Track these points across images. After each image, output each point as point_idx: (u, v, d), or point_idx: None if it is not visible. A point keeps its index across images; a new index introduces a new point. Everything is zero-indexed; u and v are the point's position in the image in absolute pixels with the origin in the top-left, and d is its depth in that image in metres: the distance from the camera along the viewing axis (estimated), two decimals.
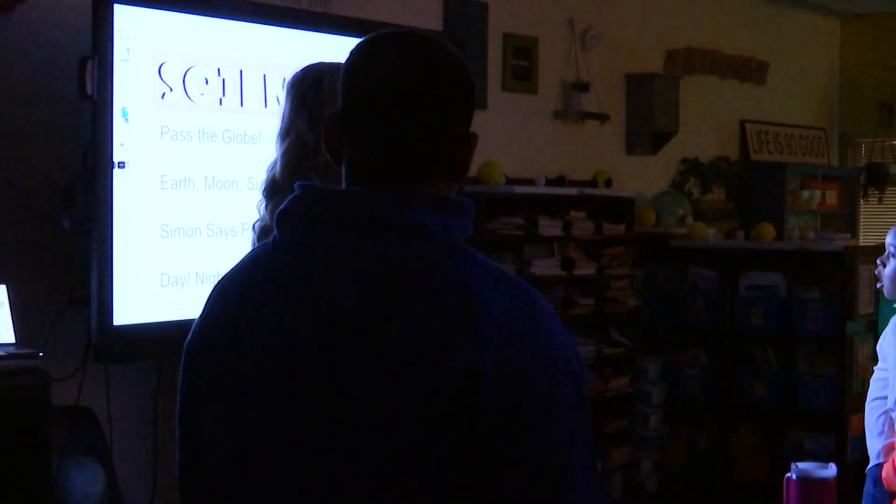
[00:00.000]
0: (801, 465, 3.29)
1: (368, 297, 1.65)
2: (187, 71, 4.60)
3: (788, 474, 3.26)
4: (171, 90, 4.55)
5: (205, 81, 4.66)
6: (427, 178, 1.74)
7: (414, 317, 1.63)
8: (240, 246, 3.47)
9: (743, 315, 7.20)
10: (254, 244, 3.25)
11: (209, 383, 1.79)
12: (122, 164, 3.38)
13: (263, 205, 3.29)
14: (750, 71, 9.03)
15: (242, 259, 1.85)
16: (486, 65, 6.84)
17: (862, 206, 9.71)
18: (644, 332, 7.39)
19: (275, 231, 1.76)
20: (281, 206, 1.75)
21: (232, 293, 1.81)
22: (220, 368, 1.77)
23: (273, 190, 3.28)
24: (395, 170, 1.72)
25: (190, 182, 4.60)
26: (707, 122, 8.71)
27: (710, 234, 7.74)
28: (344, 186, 1.76)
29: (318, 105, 3.34)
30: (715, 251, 7.46)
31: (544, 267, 6.59)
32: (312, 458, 1.67)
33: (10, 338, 4.20)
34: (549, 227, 6.62)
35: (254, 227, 3.31)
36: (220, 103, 4.74)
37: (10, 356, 4.06)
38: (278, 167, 3.30)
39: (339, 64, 3.45)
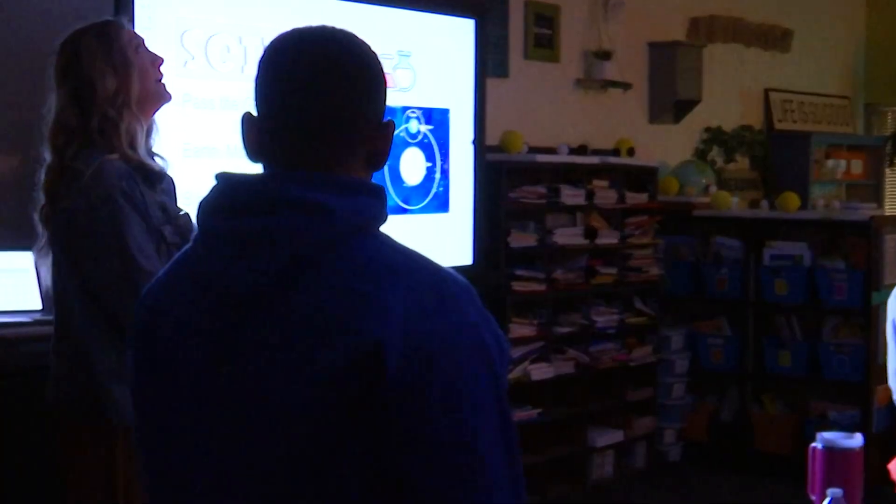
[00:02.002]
0: (827, 434, 3.29)
1: (267, 277, 1.66)
2: (209, 39, 4.62)
3: (814, 444, 3.26)
4: (194, 58, 4.57)
5: (227, 49, 4.68)
6: (345, 166, 1.75)
7: (313, 295, 1.64)
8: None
9: (767, 285, 7.20)
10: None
11: (137, 374, 1.84)
12: (156, 126, 3.42)
13: (74, 150, 3.26)
14: (774, 39, 9.00)
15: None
16: (507, 33, 6.84)
17: (888, 176, 9.67)
18: (667, 302, 7.41)
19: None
20: (202, 199, 1.77)
21: (158, 282, 1.86)
22: (143, 359, 1.83)
23: (82, 140, 3.26)
24: (312, 160, 1.73)
25: (212, 150, 4.63)
26: (730, 90, 8.69)
27: (733, 203, 7.73)
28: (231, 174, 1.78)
29: (79, 75, 3.31)
30: (739, 221, 7.45)
31: (567, 236, 6.61)
32: (217, 445, 1.69)
33: (36, 304, 4.25)
34: (571, 196, 6.63)
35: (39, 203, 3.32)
36: (242, 71, 4.75)
37: (36, 323, 4.11)
38: (48, 148, 3.30)
39: (92, 24, 3.48)
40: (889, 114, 10.08)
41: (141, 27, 4.40)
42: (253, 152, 1.79)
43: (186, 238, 3.33)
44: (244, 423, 1.66)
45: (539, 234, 6.47)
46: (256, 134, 1.78)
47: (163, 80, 3.42)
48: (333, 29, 1.80)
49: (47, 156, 3.30)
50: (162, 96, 3.41)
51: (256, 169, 1.79)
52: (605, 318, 6.79)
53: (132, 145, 3.27)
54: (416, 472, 1.59)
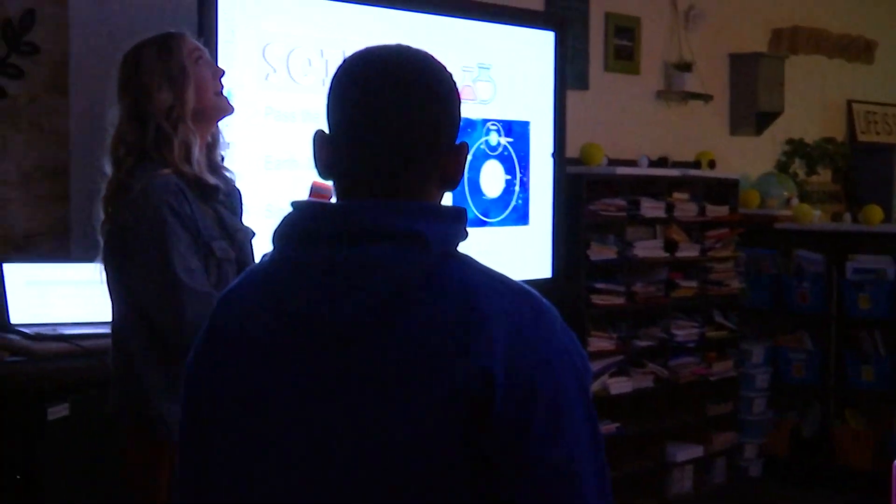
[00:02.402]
0: None
1: (369, 309, 1.65)
2: (291, 52, 4.66)
3: None
4: (275, 71, 4.61)
5: (308, 62, 4.71)
6: (422, 189, 1.75)
7: (418, 326, 1.64)
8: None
9: (850, 299, 7.12)
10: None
11: (209, 397, 1.80)
12: (225, 141, 3.44)
13: (130, 165, 3.26)
14: (857, 50, 8.91)
15: (240, 278, 1.87)
16: (587, 45, 6.84)
17: None
18: (748, 316, 7.35)
19: (272, 249, 1.78)
20: (277, 225, 1.76)
21: (232, 312, 1.82)
22: (221, 382, 1.79)
23: (139, 154, 3.26)
24: (390, 183, 1.73)
25: (293, 162, 4.66)
26: (813, 102, 8.61)
27: (815, 216, 7.66)
28: (337, 202, 1.77)
29: (139, 84, 3.31)
30: (821, 234, 7.38)
31: (646, 249, 6.59)
32: (315, 472, 1.68)
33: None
34: (651, 208, 6.61)
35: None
36: (323, 84, 4.76)
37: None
38: (107, 166, 3.31)
39: (154, 37, 3.47)
40: None
41: (224, 41, 4.44)
42: (324, 169, 1.79)
43: (244, 254, 3.37)
44: (347, 454, 1.65)
45: (619, 247, 6.45)
46: (329, 151, 1.78)
47: (224, 93, 3.41)
48: (410, 48, 1.79)
49: (108, 168, 3.32)
50: (223, 109, 3.40)
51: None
52: (684, 331, 6.75)
53: (187, 159, 3.25)
54: (521, 496, 1.62)
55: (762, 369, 7.33)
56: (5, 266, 4.21)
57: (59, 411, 3.86)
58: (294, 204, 1.76)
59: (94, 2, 4.73)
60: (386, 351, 1.64)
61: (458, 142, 1.79)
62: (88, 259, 4.42)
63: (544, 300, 1.72)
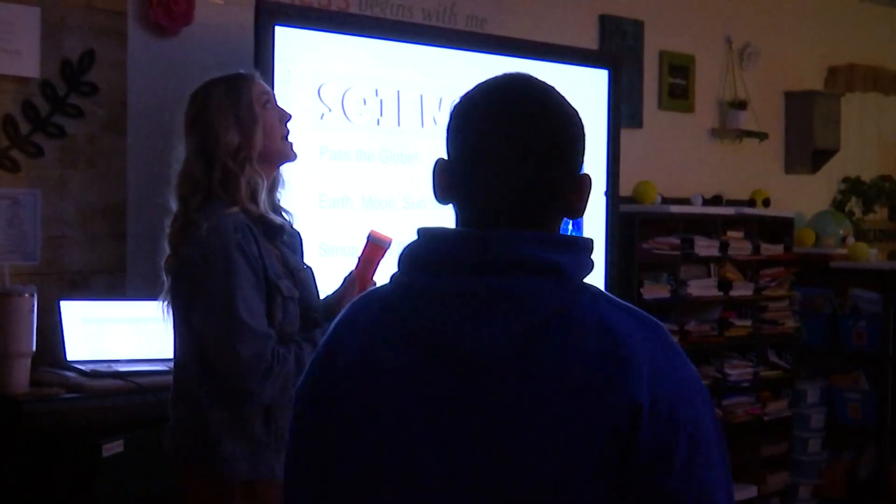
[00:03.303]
0: None
1: (512, 339, 1.64)
2: (346, 92, 4.68)
3: None
4: (330, 111, 4.64)
5: (363, 102, 4.74)
6: (550, 218, 1.76)
7: (561, 358, 1.64)
8: (393, 262, 3.53)
9: None
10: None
11: (327, 429, 1.79)
12: (283, 179, 3.46)
13: (197, 204, 3.26)
14: None
15: (360, 303, 1.85)
16: (641, 83, 6.83)
17: None
18: (803, 355, 7.28)
19: (397, 273, 1.77)
20: (408, 248, 1.75)
21: (356, 338, 1.80)
22: (346, 408, 1.76)
23: (206, 192, 3.27)
24: (520, 212, 1.72)
25: (348, 201, 4.69)
26: (869, 139, 8.55)
27: (872, 255, 7.59)
28: (459, 228, 1.77)
29: (207, 124, 3.32)
30: (877, 273, 7.31)
31: (701, 288, 6.55)
32: (461, 499, 1.66)
33: (171, 353, 4.30)
34: (705, 247, 6.57)
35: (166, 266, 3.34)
36: (378, 123, 4.81)
37: (171, 372, 4.16)
38: (172, 202, 3.32)
39: (223, 77, 3.48)
40: None
41: (280, 81, 4.48)
42: (443, 195, 1.79)
43: (307, 292, 3.38)
44: (487, 486, 1.64)
45: (672, 286, 6.42)
46: (449, 178, 1.78)
47: (289, 138, 3.42)
48: (537, 80, 1.79)
49: (173, 205, 3.33)
50: (287, 155, 3.42)
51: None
52: (738, 371, 6.70)
53: (253, 199, 3.27)
54: None
55: (817, 409, 7.26)
56: (63, 303, 4.25)
57: (113, 448, 3.87)
58: (423, 231, 1.76)
59: (152, 42, 4.77)
60: (529, 382, 1.63)
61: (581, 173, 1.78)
62: (144, 297, 4.46)
63: (664, 327, 1.73)
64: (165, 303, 3.34)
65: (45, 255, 4.51)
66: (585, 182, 1.77)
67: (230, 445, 3.19)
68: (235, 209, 3.22)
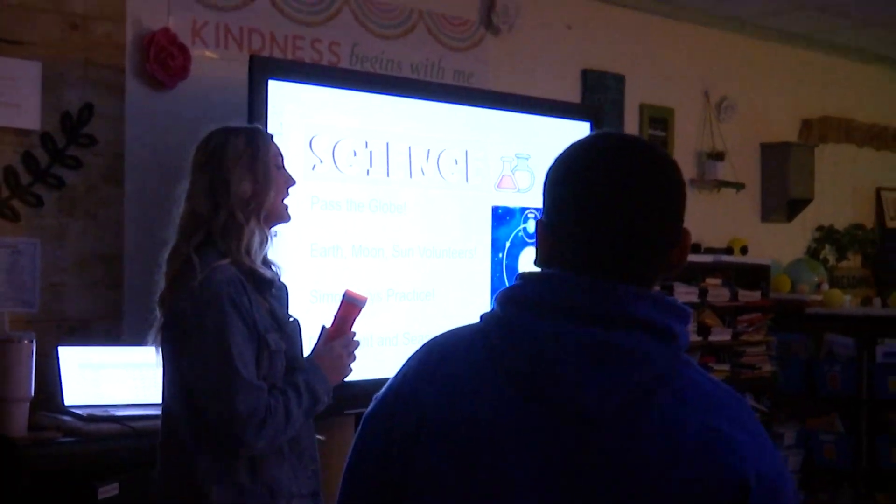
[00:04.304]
0: None
1: (624, 396, 1.60)
2: (336, 143, 4.68)
3: None
4: (322, 162, 4.63)
5: (353, 153, 4.73)
6: (654, 274, 1.72)
7: (666, 420, 1.60)
8: (382, 310, 3.55)
9: (881, 382, 7.06)
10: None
11: (412, 455, 1.72)
12: (274, 232, 3.45)
13: (165, 266, 3.28)
14: (886, 139, 8.89)
15: (450, 335, 1.81)
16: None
17: None
18: (779, 399, 7.29)
19: (494, 311, 1.71)
20: (512, 288, 1.70)
21: (451, 369, 1.74)
22: (430, 444, 1.70)
23: (171, 255, 3.27)
24: (628, 268, 1.67)
25: (338, 249, 4.67)
26: (843, 189, 8.58)
27: (846, 301, 7.62)
28: (573, 274, 1.69)
29: (220, 169, 3.29)
30: (851, 318, 7.34)
31: None
32: None
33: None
34: (684, 293, 6.58)
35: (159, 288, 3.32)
36: (368, 174, 4.80)
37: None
38: (201, 222, 3.27)
39: (245, 128, 3.48)
40: None
41: (273, 131, 4.48)
42: (546, 258, 1.73)
43: (293, 345, 3.34)
44: None
45: None
46: (555, 239, 1.72)
47: (286, 202, 3.42)
48: (638, 137, 1.76)
49: (173, 238, 3.30)
50: (283, 217, 3.41)
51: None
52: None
53: (248, 251, 3.24)
54: None
55: (794, 451, 7.26)
56: (61, 349, 4.23)
57: (109, 490, 3.86)
58: (527, 275, 1.71)
59: (149, 96, 4.79)
60: (634, 442, 1.59)
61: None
62: (140, 343, 4.44)
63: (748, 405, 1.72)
64: (157, 338, 3.31)
65: (44, 303, 4.50)
66: (688, 237, 1.74)
67: (218, 494, 3.14)
68: (227, 261, 3.19)
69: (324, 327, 3.51)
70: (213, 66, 4.97)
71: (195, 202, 3.28)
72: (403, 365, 1.82)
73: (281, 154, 3.45)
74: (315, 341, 3.50)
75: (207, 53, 4.98)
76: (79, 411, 4.08)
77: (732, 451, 1.59)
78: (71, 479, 3.85)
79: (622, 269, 1.67)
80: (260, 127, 3.50)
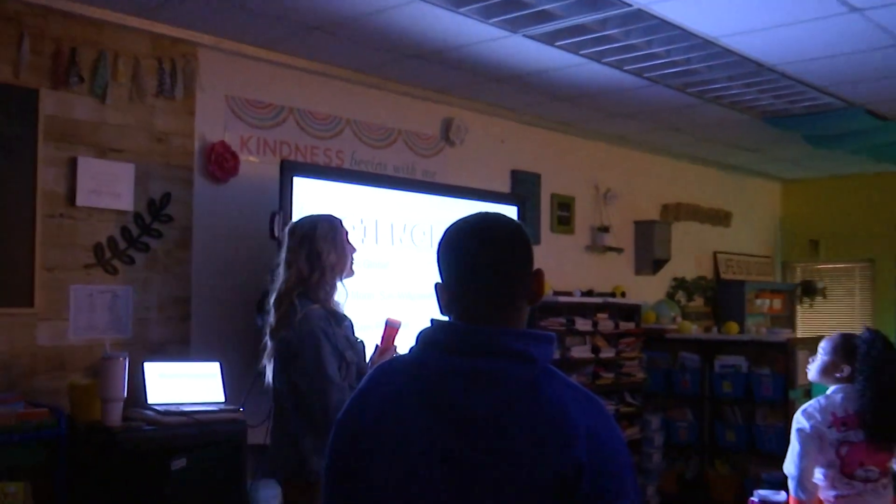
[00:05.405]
0: (761, 492, 3.19)
1: (495, 407, 1.58)
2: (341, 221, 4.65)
3: (752, 498, 3.16)
4: None
5: (353, 227, 4.71)
6: (521, 309, 1.70)
7: (531, 426, 1.57)
8: (376, 336, 3.52)
9: (717, 385, 7.04)
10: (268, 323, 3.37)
11: (356, 456, 1.70)
12: (284, 278, 3.48)
13: (273, 309, 3.36)
14: (720, 218, 8.95)
15: (387, 366, 1.77)
16: (539, 215, 6.86)
17: (798, 311, 9.49)
18: (648, 397, 7.25)
19: (415, 348, 1.70)
20: (423, 332, 1.70)
21: (383, 392, 1.71)
22: (366, 447, 1.69)
23: (279, 301, 3.35)
24: (499, 306, 1.67)
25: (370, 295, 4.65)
26: (690, 252, 8.61)
27: (693, 329, 7.61)
28: (460, 322, 1.69)
29: (313, 244, 3.39)
30: (697, 341, 7.32)
31: (579, 352, 6.53)
32: None
33: (220, 398, 4.24)
34: (582, 324, 6.56)
35: (269, 323, 3.39)
36: (363, 241, 4.78)
37: (220, 411, 4.09)
38: (283, 286, 3.36)
39: (325, 216, 3.53)
40: (798, 268, 9.93)
41: (296, 213, 4.45)
42: (445, 308, 1.71)
43: (361, 358, 3.44)
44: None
45: (560, 351, 6.39)
46: (447, 296, 1.70)
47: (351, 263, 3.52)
48: (498, 214, 1.74)
49: (282, 288, 3.37)
50: (350, 274, 3.50)
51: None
52: (606, 408, 6.65)
53: (328, 299, 3.36)
54: None
55: (658, 433, 7.21)
56: (146, 364, 4.18)
57: (178, 464, 3.81)
58: (435, 322, 1.69)
59: (210, 187, 4.76)
60: (503, 440, 1.57)
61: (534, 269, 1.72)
62: (201, 359, 4.39)
63: (600, 400, 1.68)
64: (269, 358, 3.38)
65: (135, 331, 4.46)
66: (540, 275, 1.72)
67: (316, 463, 3.22)
68: (317, 305, 3.30)
69: (377, 345, 3.60)
70: (255, 167, 4.94)
71: (299, 266, 3.37)
72: (360, 383, 1.80)
73: (347, 231, 3.52)
74: (371, 354, 3.58)
75: (251, 158, 4.95)
76: (158, 407, 4.03)
77: (570, 439, 1.56)
78: (151, 456, 3.80)
79: (490, 313, 1.66)
80: (334, 215, 3.57)
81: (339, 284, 3.42)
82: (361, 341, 3.48)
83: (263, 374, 3.43)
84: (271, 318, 3.38)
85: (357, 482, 1.70)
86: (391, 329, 3.60)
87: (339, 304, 3.45)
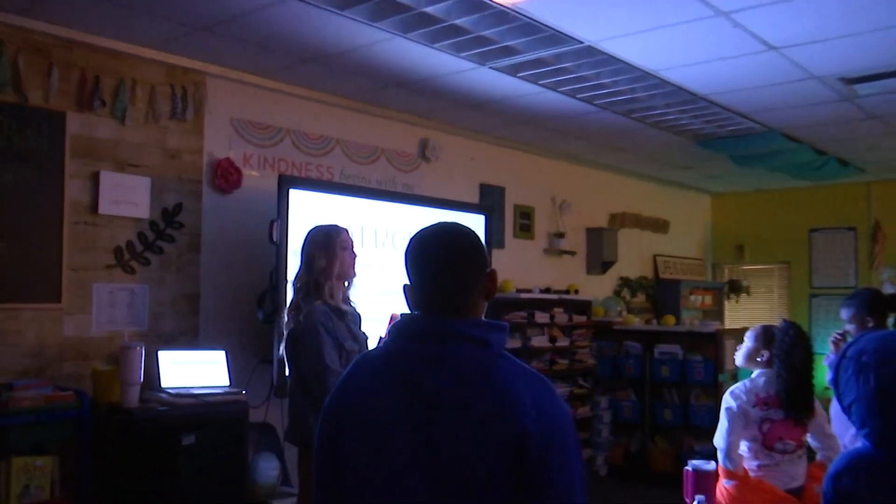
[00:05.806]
0: (694, 461, 3.20)
1: (455, 385, 1.62)
2: None
3: (687, 467, 3.18)
4: None
5: (351, 233, 4.70)
6: (477, 304, 1.73)
7: (486, 399, 1.60)
8: (367, 327, 3.53)
9: (657, 370, 7.09)
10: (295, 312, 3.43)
11: (341, 432, 1.73)
12: (348, 283, 3.55)
13: (301, 297, 3.44)
14: (659, 225, 9.00)
15: (367, 355, 1.80)
16: (504, 223, 6.88)
17: (726, 306, 9.56)
18: (598, 380, 7.29)
19: (388, 339, 1.74)
20: (394, 325, 1.73)
21: (362, 375, 1.74)
22: (351, 422, 1.71)
23: (306, 291, 3.44)
24: (456, 301, 1.71)
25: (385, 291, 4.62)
26: (634, 255, 8.66)
27: (636, 321, 7.66)
28: (426, 315, 1.73)
29: (307, 250, 3.50)
30: (639, 332, 7.37)
31: (538, 341, 6.55)
32: (417, 487, 1.61)
33: (226, 382, 4.22)
34: (541, 317, 6.58)
35: (289, 311, 3.49)
36: (362, 245, 4.76)
37: (225, 393, 4.07)
38: (303, 282, 3.45)
39: (326, 226, 3.57)
40: (726, 269, 10.00)
41: (292, 220, 4.44)
42: (413, 305, 1.75)
43: (364, 348, 3.47)
44: (442, 472, 1.59)
45: (522, 340, 6.41)
46: (413, 294, 1.75)
47: (354, 267, 3.55)
48: (456, 224, 1.77)
49: (293, 293, 3.53)
50: (349, 276, 3.53)
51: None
52: (561, 390, 6.67)
53: (331, 296, 3.43)
54: (541, 501, 1.58)
55: (606, 412, 7.25)
56: (160, 352, 4.14)
57: (189, 439, 3.79)
58: (404, 315, 1.73)
59: (216, 198, 4.74)
60: (463, 412, 1.60)
61: (488, 270, 1.75)
62: (209, 348, 4.37)
63: (548, 380, 1.70)
64: (285, 348, 3.48)
65: (150, 324, 4.42)
66: (493, 275, 1.75)
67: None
68: (320, 302, 3.39)
69: (381, 337, 3.60)
70: (256, 181, 4.93)
71: (301, 274, 3.50)
72: (346, 369, 1.83)
73: (348, 240, 3.58)
74: (377, 343, 3.60)
75: (253, 173, 4.94)
76: (170, 390, 4.00)
77: (519, 412, 1.59)
78: (164, 433, 3.78)
79: (449, 306, 1.70)
80: (337, 224, 3.62)
81: (336, 285, 3.46)
82: (365, 334, 3.54)
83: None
84: (285, 316, 3.48)
85: (341, 450, 1.72)
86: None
87: (349, 300, 3.53)
